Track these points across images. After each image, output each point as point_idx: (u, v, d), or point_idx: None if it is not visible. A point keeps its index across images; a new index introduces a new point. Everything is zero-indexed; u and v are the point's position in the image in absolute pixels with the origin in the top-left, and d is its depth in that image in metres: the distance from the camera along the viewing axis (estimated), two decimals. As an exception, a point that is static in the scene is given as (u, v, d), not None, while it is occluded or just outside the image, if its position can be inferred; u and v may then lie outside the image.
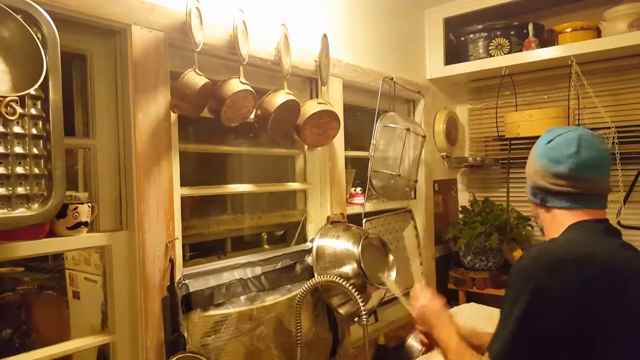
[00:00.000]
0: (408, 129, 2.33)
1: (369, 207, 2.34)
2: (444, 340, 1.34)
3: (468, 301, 2.72)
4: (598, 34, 2.50)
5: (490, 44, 2.77)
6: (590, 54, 2.47)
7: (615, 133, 2.38)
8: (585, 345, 1.02)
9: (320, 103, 1.86)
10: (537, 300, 1.04)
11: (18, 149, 1.11)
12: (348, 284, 1.69)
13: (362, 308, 1.67)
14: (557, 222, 1.20)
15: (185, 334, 1.46)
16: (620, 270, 1.09)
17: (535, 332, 1.03)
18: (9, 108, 1.05)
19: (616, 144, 2.39)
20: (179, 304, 1.45)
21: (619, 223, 2.41)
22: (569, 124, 2.47)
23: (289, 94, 1.71)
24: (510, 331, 1.06)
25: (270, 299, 1.72)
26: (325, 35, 1.92)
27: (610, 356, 1.04)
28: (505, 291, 1.13)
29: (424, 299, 1.51)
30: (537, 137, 1.47)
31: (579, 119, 2.57)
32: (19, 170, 1.11)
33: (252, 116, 1.66)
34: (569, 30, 2.56)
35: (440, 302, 1.48)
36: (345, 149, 2.18)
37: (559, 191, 1.18)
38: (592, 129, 2.46)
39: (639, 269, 1.11)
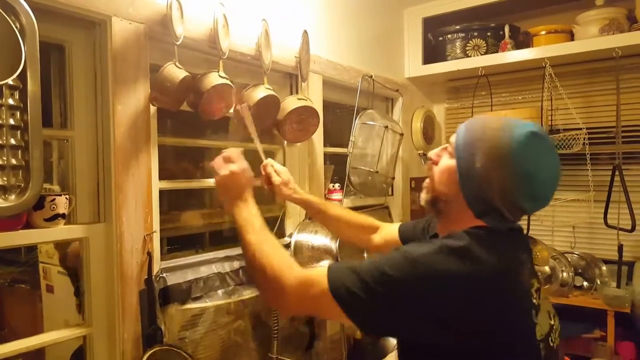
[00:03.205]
0: (386, 127, 2.36)
1: (347, 203, 2.36)
2: (246, 219, 1.15)
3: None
4: (571, 37, 2.57)
5: (468, 44, 2.82)
6: (564, 56, 2.55)
7: (585, 134, 2.45)
8: None
9: (300, 99, 1.88)
10: None
11: (-5, 139, 1.10)
12: (325, 278, 1.71)
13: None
14: (466, 222, 1.04)
15: (163, 327, 1.46)
16: None
17: None
18: (-14, 98, 1.04)
19: (587, 144, 2.46)
20: (156, 297, 1.45)
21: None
22: (542, 125, 2.53)
23: (269, 89, 1.72)
24: None
25: (248, 293, 1.73)
26: (305, 32, 1.94)
27: None
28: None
29: (238, 165, 1.24)
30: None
31: (551, 120, 2.64)
32: (-4, 160, 1.10)
33: (231, 110, 1.67)
34: (543, 32, 2.63)
35: (252, 176, 1.26)
36: (324, 145, 2.20)
37: (503, 216, 1.02)
38: (564, 130, 2.56)
39: None
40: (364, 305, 0.94)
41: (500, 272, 0.96)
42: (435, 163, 1.13)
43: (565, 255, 2.63)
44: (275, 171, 1.55)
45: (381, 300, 0.93)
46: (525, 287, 1.03)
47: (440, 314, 0.92)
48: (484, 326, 0.93)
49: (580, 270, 2.63)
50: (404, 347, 1.09)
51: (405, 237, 1.45)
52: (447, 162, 1.09)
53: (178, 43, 1.44)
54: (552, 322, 1.08)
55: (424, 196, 1.15)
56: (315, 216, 1.63)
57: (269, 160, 1.57)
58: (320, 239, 1.91)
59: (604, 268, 2.62)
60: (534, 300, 1.04)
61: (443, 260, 0.93)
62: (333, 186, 2.33)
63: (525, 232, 1.21)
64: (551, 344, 1.04)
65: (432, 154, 1.15)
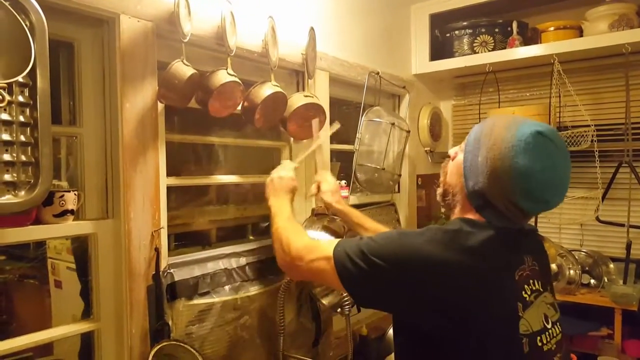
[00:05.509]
0: (393, 124, 2.36)
1: (353, 200, 2.36)
2: (280, 208, 1.48)
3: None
4: (580, 33, 2.55)
5: (475, 40, 2.81)
6: (572, 52, 2.53)
7: (594, 131, 2.43)
8: None
9: (306, 96, 1.88)
10: None
11: (5, 136, 1.11)
12: (331, 275, 1.71)
13: (345, 299, 1.70)
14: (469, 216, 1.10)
15: (170, 323, 1.47)
16: None
17: None
18: (-4, 95, 1.06)
19: (595, 141, 2.44)
20: (164, 293, 1.46)
21: (597, 219, 2.47)
22: (549, 122, 2.52)
23: (276, 86, 1.72)
24: None
25: (255, 289, 1.74)
26: (312, 29, 1.94)
27: None
28: None
29: (287, 173, 1.62)
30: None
31: (560, 117, 2.62)
32: (6, 157, 1.11)
33: (239, 107, 1.67)
34: (552, 29, 2.61)
35: (296, 186, 1.63)
36: (331, 142, 2.20)
37: (501, 212, 1.04)
38: (572, 127, 2.55)
39: None
40: (358, 272, 1.06)
41: (477, 257, 1.01)
42: (453, 159, 1.18)
43: (573, 252, 2.62)
44: (325, 180, 1.84)
45: (371, 270, 1.04)
46: (509, 278, 1.04)
47: (417, 290, 1.01)
48: (459, 303, 0.98)
49: (587, 268, 2.62)
50: (395, 328, 1.18)
51: None
52: (459, 156, 1.14)
53: (185, 40, 1.45)
54: (549, 326, 1.07)
55: (438, 190, 1.23)
56: (352, 227, 1.82)
57: (323, 171, 1.93)
58: (327, 235, 1.91)
59: (611, 266, 2.61)
60: (525, 295, 1.04)
61: (427, 239, 1.03)
62: (340, 183, 2.33)
63: (537, 235, 1.23)
64: (539, 344, 1.03)
65: (451, 151, 1.21)
